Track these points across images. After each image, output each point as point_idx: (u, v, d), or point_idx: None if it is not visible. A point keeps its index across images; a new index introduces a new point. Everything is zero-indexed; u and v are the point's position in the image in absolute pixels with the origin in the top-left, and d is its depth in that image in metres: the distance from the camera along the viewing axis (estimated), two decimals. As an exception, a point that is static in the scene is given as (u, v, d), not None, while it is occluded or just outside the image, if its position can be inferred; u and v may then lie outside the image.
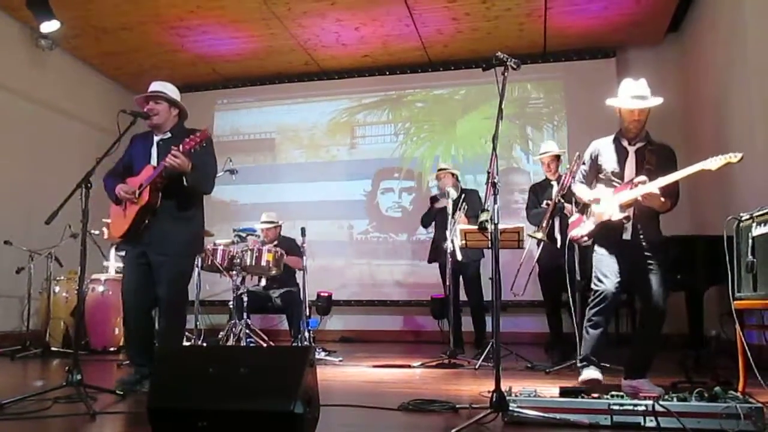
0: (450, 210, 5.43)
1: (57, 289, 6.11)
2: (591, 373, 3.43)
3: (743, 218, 3.29)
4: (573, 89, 7.65)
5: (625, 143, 3.59)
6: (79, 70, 7.89)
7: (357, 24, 7.04)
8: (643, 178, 3.39)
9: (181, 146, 3.51)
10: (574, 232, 3.77)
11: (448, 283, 5.47)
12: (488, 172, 2.78)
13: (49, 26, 6.39)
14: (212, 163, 3.85)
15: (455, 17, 6.86)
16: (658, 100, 3.49)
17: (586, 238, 3.69)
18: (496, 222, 2.74)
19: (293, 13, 6.75)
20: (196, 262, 5.56)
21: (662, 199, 3.34)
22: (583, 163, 3.80)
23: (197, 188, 3.74)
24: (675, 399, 2.63)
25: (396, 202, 8.14)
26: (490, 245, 4.15)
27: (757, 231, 3.14)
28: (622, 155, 3.57)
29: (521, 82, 7.77)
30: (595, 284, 3.49)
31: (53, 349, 5.73)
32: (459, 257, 5.64)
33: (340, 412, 2.95)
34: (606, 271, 3.49)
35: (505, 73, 2.95)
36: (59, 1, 6.19)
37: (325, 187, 8.28)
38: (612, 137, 3.66)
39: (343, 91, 8.43)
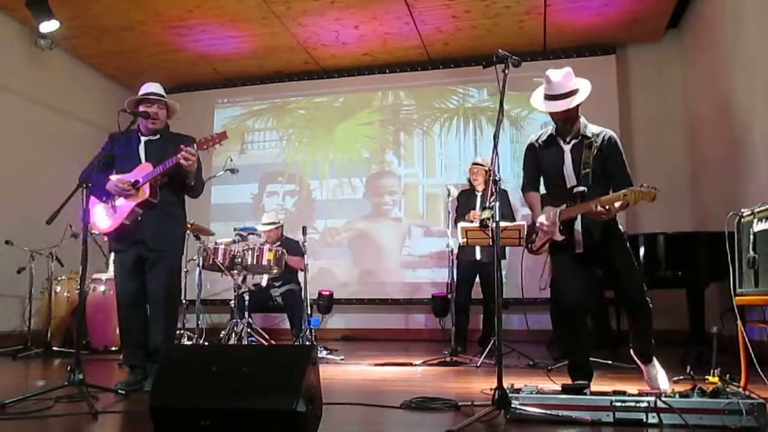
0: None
1: (58, 288, 6.11)
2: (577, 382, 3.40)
3: (744, 214, 3.28)
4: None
5: (560, 140, 3.35)
6: (79, 69, 7.89)
7: (356, 22, 7.03)
8: (581, 189, 3.24)
9: (196, 146, 3.57)
10: (528, 245, 3.60)
11: (448, 281, 5.48)
12: (489, 170, 2.77)
13: (49, 26, 6.38)
14: (201, 168, 3.86)
15: (455, 15, 6.85)
16: (579, 97, 3.20)
17: (542, 252, 3.53)
18: (497, 219, 2.74)
19: (293, 11, 6.74)
20: (197, 262, 5.59)
21: (610, 207, 3.11)
22: (523, 167, 3.56)
23: (197, 188, 3.80)
24: (677, 395, 2.63)
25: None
26: (491, 242, 4.16)
27: (758, 227, 3.13)
28: (558, 156, 3.34)
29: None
30: (554, 299, 3.40)
31: (54, 348, 5.74)
32: (478, 257, 5.66)
33: (343, 411, 2.95)
34: (564, 286, 3.37)
35: (506, 71, 2.94)
36: (58, 0, 6.18)
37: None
38: (546, 134, 3.42)
39: (342, 90, 8.43)
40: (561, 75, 3.22)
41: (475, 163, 6.06)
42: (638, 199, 3.02)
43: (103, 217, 3.75)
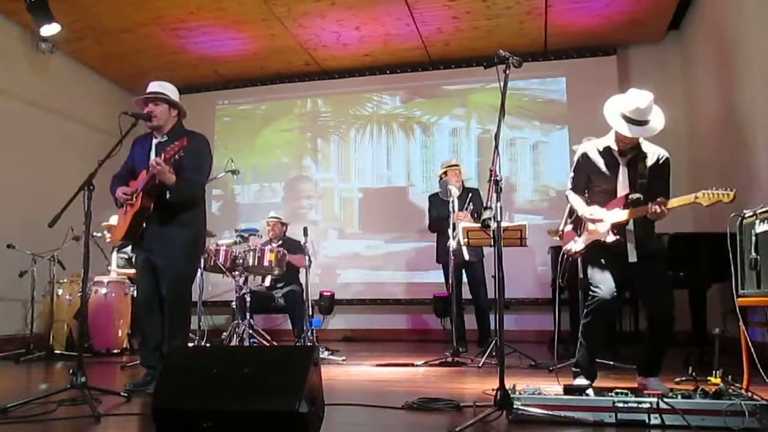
0: (453, 208, 5.44)
1: (60, 292, 6.12)
2: (580, 382, 3.40)
3: (746, 215, 3.28)
4: (574, 87, 7.64)
5: (616, 153, 3.42)
6: (80, 72, 7.90)
7: (357, 23, 7.04)
8: (636, 195, 3.31)
9: (162, 155, 3.50)
10: (568, 247, 3.64)
11: (450, 282, 5.48)
12: (490, 170, 2.78)
13: (50, 29, 6.38)
14: (202, 171, 3.83)
15: (456, 16, 6.85)
16: (657, 126, 3.28)
17: (580, 254, 3.58)
18: (498, 220, 2.74)
19: (293, 13, 6.75)
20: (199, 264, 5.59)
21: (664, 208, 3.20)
22: (573, 170, 3.61)
23: (180, 201, 3.70)
24: (679, 396, 2.63)
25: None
26: (492, 243, 4.17)
27: (760, 228, 3.13)
28: (613, 167, 3.42)
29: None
30: (591, 291, 3.44)
31: (57, 351, 5.75)
32: (466, 257, 5.66)
33: (345, 412, 2.95)
34: (601, 278, 3.39)
35: (507, 71, 2.95)
36: (59, 4, 6.18)
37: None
38: (602, 144, 3.47)
39: (343, 91, 8.44)
40: (648, 101, 3.25)
41: (450, 165, 6.05)
42: (712, 201, 3.06)
43: (118, 226, 3.87)
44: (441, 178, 6.00)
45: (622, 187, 3.40)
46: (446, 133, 8.08)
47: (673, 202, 3.17)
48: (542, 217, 7.43)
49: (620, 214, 3.33)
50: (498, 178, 2.75)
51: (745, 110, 5.33)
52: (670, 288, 3.39)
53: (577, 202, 3.56)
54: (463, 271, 5.94)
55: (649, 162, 3.38)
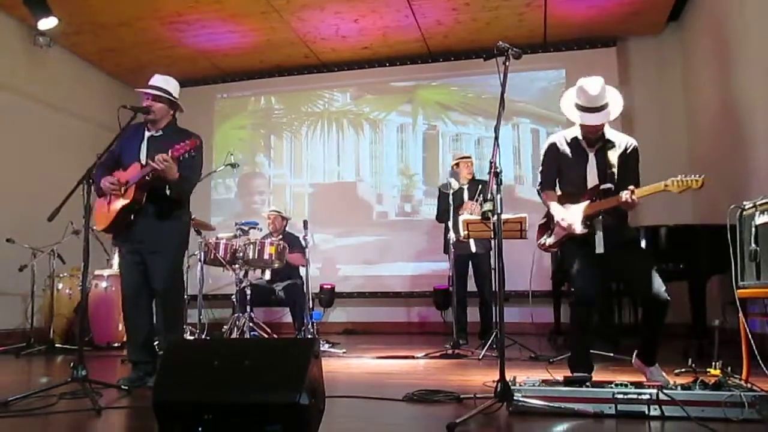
0: (451, 201, 5.45)
1: (60, 286, 6.13)
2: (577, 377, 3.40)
3: (746, 207, 3.28)
4: (573, 79, 7.61)
5: (584, 144, 3.38)
6: (78, 66, 7.88)
7: (356, 16, 7.02)
8: (608, 185, 3.29)
9: (170, 152, 3.47)
10: (542, 240, 3.61)
11: (450, 274, 5.49)
12: (491, 162, 2.77)
13: (47, 23, 6.36)
14: (198, 170, 3.82)
15: (455, 8, 6.84)
16: (613, 110, 3.24)
17: (554, 248, 3.56)
18: (499, 212, 2.73)
19: (292, 6, 6.72)
20: (198, 257, 5.60)
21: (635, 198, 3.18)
22: (542, 163, 3.56)
23: (178, 198, 3.71)
24: (679, 388, 2.63)
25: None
26: (493, 235, 4.17)
27: (760, 220, 3.13)
28: (581, 158, 3.38)
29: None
30: (573, 287, 3.43)
31: (57, 345, 5.75)
32: (473, 249, 5.67)
33: (345, 404, 2.96)
34: (581, 275, 3.37)
35: (506, 63, 2.93)
36: (57, -3, 6.17)
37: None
38: (570, 134, 3.43)
39: (342, 84, 8.42)
40: (598, 87, 3.22)
41: (462, 157, 6.09)
42: (683, 188, 3.07)
43: (99, 214, 3.74)
44: (452, 170, 6.06)
45: (592, 178, 3.37)
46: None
47: (643, 191, 3.16)
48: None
49: (592, 206, 3.31)
50: (498, 170, 2.74)
51: (745, 102, 5.32)
52: (652, 270, 3.30)
53: (551, 203, 3.50)
54: (470, 262, 5.95)
55: (618, 151, 3.35)
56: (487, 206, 2.83)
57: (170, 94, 3.78)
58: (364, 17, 7.04)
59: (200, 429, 1.92)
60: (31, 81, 7.06)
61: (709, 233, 4.66)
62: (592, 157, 3.38)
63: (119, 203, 3.61)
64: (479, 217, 5.08)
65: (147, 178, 3.55)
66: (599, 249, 3.34)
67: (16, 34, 6.86)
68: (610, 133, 3.39)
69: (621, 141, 3.38)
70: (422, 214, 7.89)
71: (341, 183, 8.33)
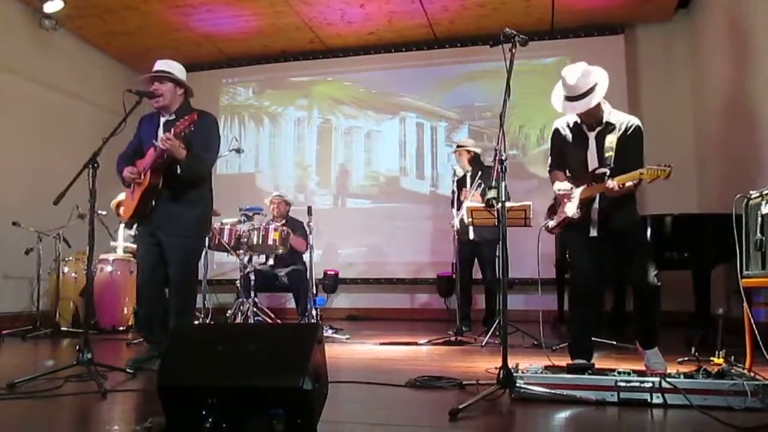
0: (454, 188, 5.45)
1: (66, 269, 6.15)
2: (577, 361, 3.41)
3: (752, 196, 3.26)
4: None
5: (584, 128, 3.40)
6: (84, 50, 7.86)
7: (362, 1, 6.96)
8: (603, 170, 3.29)
9: (172, 130, 3.50)
10: (549, 223, 3.64)
11: (454, 261, 5.49)
12: (496, 150, 2.76)
13: (53, 6, 6.35)
14: (211, 149, 3.82)
15: (461, -7, 6.78)
16: (598, 95, 3.23)
17: (556, 231, 3.60)
18: (503, 200, 2.73)
19: (298, -10, 6.68)
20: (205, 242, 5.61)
21: (628, 184, 3.20)
22: (550, 148, 3.60)
23: (190, 177, 3.69)
24: (682, 376, 2.64)
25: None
26: (496, 223, 4.17)
27: (766, 209, 3.11)
28: (582, 141, 3.41)
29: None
30: (571, 272, 3.47)
31: (63, 329, 5.79)
32: (471, 236, 5.66)
33: (349, 389, 2.98)
34: (579, 260, 3.43)
35: (513, 50, 2.91)
36: (62, -20, 6.15)
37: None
38: (572, 119, 3.44)
39: (348, 69, 8.39)
40: (578, 75, 3.23)
41: (459, 146, 6.08)
42: (653, 177, 3.09)
43: (125, 205, 3.85)
44: (456, 157, 6.08)
45: (592, 162, 3.38)
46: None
47: (623, 178, 3.18)
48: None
49: (585, 191, 3.34)
50: (503, 158, 2.73)
51: (753, 91, 5.27)
52: (644, 256, 3.36)
53: (554, 177, 3.56)
54: (474, 250, 5.95)
55: (618, 133, 3.34)
56: (492, 194, 2.83)
57: (173, 75, 3.77)
58: (369, 2, 6.98)
59: (204, 413, 1.93)
60: (37, 64, 7.04)
61: (715, 222, 4.64)
62: (592, 140, 3.39)
63: (140, 190, 3.66)
64: (481, 204, 5.09)
65: (160, 159, 3.57)
66: (592, 233, 3.38)
67: (21, 17, 6.84)
68: (610, 116, 3.37)
69: (622, 123, 3.36)
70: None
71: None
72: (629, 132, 3.34)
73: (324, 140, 8.38)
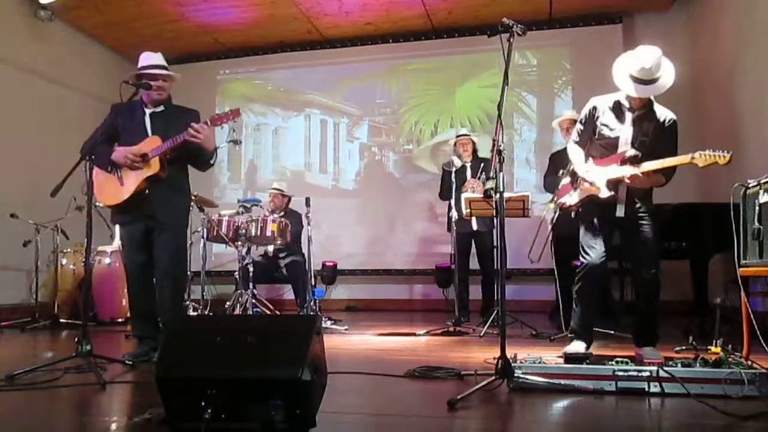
0: (454, 179, 5.43)
1: (64, 261, 6.15)
2: (576, 345, 3.42)
3: (750, 185, 3.26)
4: (578, 56, 7.57)
5: (625, 109, 3.38)
6: (80, 40, 7.81)
7: (359, -9, 6.93)
8: (634, 152, 3.28)
9: (209, 121, 3.59)
10: (563, 200, 3.67)
11: (452, 251, 5.49)
12: (493, 140, 2.76)
13: (48, -4, 6.31)
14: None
15: (459, -17, 6.74)
16: (666, 83, 3.25)
17: (574, 208, 3.60)
18: (501, 190, 2.72)
19: (294, -20, 6.64)
20: (201, 233, 5.62)
21: (653, 177, 3.24)
22: (580, 122, 3.55)
23: (207, 164, 3.84)
24: (679, 365, 2.65)
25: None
26: (495, 213, 4.16)
27: (764, 198, 3.11)
28: (619, 122, 3.38)
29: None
30: (582, 256, 3.46)
31: (62, 320, 5.80)
32: (475, 227, 5.67)
33: (348, 380, 2.98)
34: (592, 243, 3.42)
35: (511, 40, 2.90)
36: (57, -30, 6.11)
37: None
38: (612, 98, 3.42)
39: (345, 60, 8.35)
40: (655, 59, 3.20)
41: (462, 135, 6.06)
42: (709, 162, 3.08)
43: (109, 190, 3.71)
44: (455, 149, 6.03)
45: (624, 143, 3.37)
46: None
47: (647, 166, 3.19)
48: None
49: (616, 171, 3.32)
50: (501, 148, 2.72)
51: (751, 80, 5.27)
52: (654, 252, 3.36)
53: (575, 156, 3.55)
54: (473, 241, 5.95)
55: (656, 122, 3.35)
56: (490, 184, 2.82)
57: (175, 75, 3.85)
58: (367, -8, 6.95)
59: (203, 404, 1.94)
60: (33, 55, 7.00)
61: (713, 211, 4.64)
62: (629, 122, 3.37)
63: (142, 174, 3.60)
64: (481, 195, 5.08)
65: (171, 151, 3.60)
66: (619, 213, 3.38)
67: (17, 7, 6.80)
68: (653, 105, 3.38)
69: (661, 114, 3.38)
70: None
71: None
72: (666, 124, 3.36)
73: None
